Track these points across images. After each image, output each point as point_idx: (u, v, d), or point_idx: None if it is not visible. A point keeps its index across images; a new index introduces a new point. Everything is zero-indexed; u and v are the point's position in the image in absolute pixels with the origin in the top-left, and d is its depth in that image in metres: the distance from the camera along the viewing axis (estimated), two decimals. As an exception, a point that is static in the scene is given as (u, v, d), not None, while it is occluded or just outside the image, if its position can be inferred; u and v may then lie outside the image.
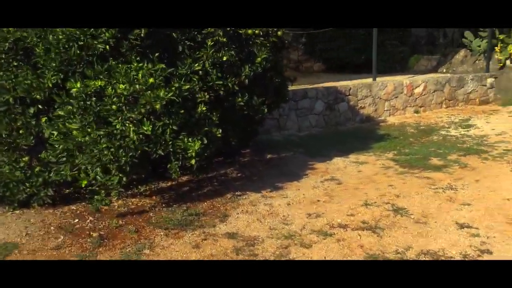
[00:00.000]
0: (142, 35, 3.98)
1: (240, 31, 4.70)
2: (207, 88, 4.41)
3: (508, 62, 10.40)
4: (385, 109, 9.23)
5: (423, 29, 12.13)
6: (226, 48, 4.43)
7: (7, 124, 4.23)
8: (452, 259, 3.36)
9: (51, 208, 4.50)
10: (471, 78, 10.10)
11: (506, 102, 10.05)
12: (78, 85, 3.72)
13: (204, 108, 4.12)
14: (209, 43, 4.35)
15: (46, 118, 4.31)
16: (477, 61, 10.96)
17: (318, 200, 4.64)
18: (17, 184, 4.36)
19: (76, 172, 4.20)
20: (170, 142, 3.95)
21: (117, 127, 3.78)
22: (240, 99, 4.72)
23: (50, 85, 4.03)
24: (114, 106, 3.76)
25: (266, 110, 5.05)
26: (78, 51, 3.86)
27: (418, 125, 8.42)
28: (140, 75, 3.77)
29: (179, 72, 4.20)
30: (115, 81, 3.83)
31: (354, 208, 4.38)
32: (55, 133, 4.07)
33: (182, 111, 3.98)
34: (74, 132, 3.92)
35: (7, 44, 3.96)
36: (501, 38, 10.32)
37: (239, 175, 5.54)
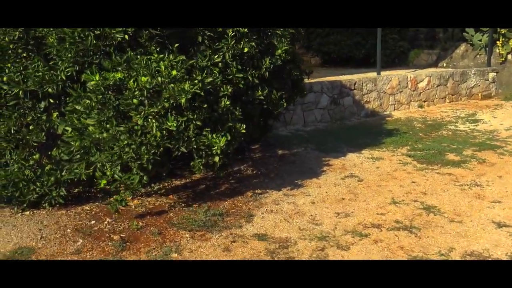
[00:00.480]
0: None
1: (260, 22, 4.47)
2: (227, 81, 4.19)
3: (509, 56, 10.36)
4: (390, 103, 9.11)
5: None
6: (246, 39, 4.21)
7: (16, 119, 3.95)
8: (498, 259, 3.22)
9: (63, 208, 4.24)
10: (474, 72, 10.04)
11: (508, 96, 10.02)
12: (97, 77, 3.46)
13: (228, 103, 3.90)
14: (230, 34, 4.12)
15: (57, 113, 4.05)
16: (478, 56, 10.91)
17: (343, 198, 4.46)
18: (27, 184, 4.08)
19: (91, 170, 3.95)
20: (193, 139, 3.72)
21: (139, 122, 3.54)
22: (260, 92, 4.51)
23: (64, 77, 3.77)
24: (135, 100, 3.52)
25: (285, 104, 4.85)
26: (95, 41, 3.59)
27: (424, 119, 8.31)
28: (162, 67, 3.52)
29: (199, 64, 3.96)
30: (135, 74, 3.58)
31: (383, 206, 4.22)
32: (69, 129, 3.80)
33: (205, 106, 3.75)
34: (91, 128, 3.66)
35: (17, 33, 3.67)
36: (503, 32, 10.26)
37: (254, 172, 5.33)
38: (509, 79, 10.23)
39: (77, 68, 3.64)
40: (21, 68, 3.91)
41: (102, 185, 3.71)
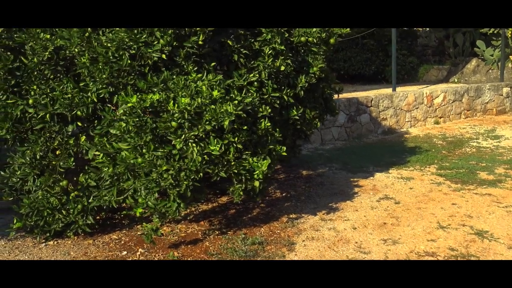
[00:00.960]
0: (199, 42, 3.54)
1: (292, 39, 4.30)
2: (263, 101, 3.99)
3: (523, 71, 10.28)
4: (406, 120, 8.95)
5: (431, 39, 11.96)
6: (282, 57, 4.02)
7: (42, 144, 3.71)
8: None
9: (88, 237, 3.98)
10: (488, 87, 9.92)
11: (523, 111, 9.90)
12: (134, 99, 3.24)
13: (268, 124, 3.68)
14: (267, 51, 3.93)
15: (84, 137, 3.82)
16: (490, 70, 10.81)
17: (385, 223, 4.23)
18: (52, 212, 3.84)
19: (122, 197, 3.70)
20: (233, 163, 3.50)
21: (177, 146, 3.31)
22: (295, 112, 4.30)
23: (95, 99, 3.54)
24: (174, 123, 3.29)
25: (318, 124, 4.65)
26: (130, 61, 3.39)
27: (444, 136, 8.13)
28: (204, 87, 3.31)
29: (235, 83, 3.77)
30: (172, 95, 3.37)
31: (430, 231, 3.98)
32: (100, 154, 3.57)
33: (245, 128, 3.53)
34: (125, 153, 3.43)
35: (46, 53, 3.45)
36: (516, 47, 10.20)
37: (283, 194, 5.10)
38: (523, 94, 10.12)
39: (111, 90, 3.42)
40: (48, 90, 3.70)
41: (138, 214, 3.45)
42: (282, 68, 4.00)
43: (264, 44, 3.95)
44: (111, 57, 3.37)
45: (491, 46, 10.73)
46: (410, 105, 8.96)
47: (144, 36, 3.41)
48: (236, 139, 3.42)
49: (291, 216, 4.44)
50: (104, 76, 3.33)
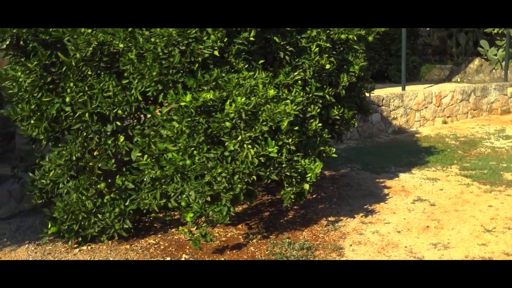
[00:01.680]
0: (251, 38, 3.38)
1: (332, 36, 4.17)
2: (308, 100, 3.85)
3: (526, 71, 10.35)
4: (416, 119, 8.92)
5: (434, 38, 11.97)
6: (326, 55, 3.89)
7: (80, 144, 3.51)
8: None
9: (124, 242, 3.80)
10: (494, 87, 9.97)
11: (527, 111, 9.99)
12: (188, 98, 3.07)
13: (320, 124, 3.56)
14: (313, 49, 3.80)
15: (123, 137, 3.62)
16: (494, 70, 10.87)
17: (428, 226, 4.14)
18: (87, 216, 3.63)
19: (164, 200, 3.53)
20: (285, 165, 3.35)
21: (231, 148, 3.15)
22: (336, 112, 4.19)
23: (140, 98, 3.36)
24: (228, 123, 3.13)
25: (356, 124, 4.54)
26: (180, 58, 3.21)
27: (455, 136, 8.12)
28: (260, 86, 3.16)
29: (282, 82, 3.62)
30: (225, 93, 3.21)
31: (478, 235, 3.92)
32: (145, 156, 3.39)
33: (296, 128, 3.40)
34: (172, 155, 3.25)
35: (90, 48, 3.24)
36: (520, 47, 10.27)
37: (314, 196, 4.98)
38: (527, 94, 10.20)
39: (160, 88, 3.24)
40: (86, 88, 3.49)
41: (188, 219, 3.29)
42: (327, 66, 3.88)
43: (310, 41, 3.81)
44: (160, 53, 3.19)
45: (494, 46, 10.78)
46: (419, 104, 8.93)
47: (193, 32, 3.24)
48: (290, 140, 3.28)
49: (329, 219, 4.32)
50: (154, 73, 3.15)
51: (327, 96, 4.04)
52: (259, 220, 4.29)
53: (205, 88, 3.27)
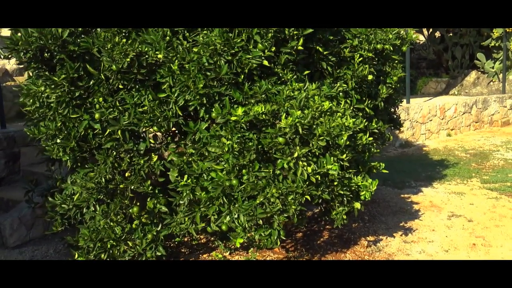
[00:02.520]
0: (298, 47, 3.16)
1: (373, 46, 3.98)
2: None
3: (523, 83, 10.45)
4: (421, 132, 8.83)
5: (430, 52, 12.02)
6: (367, 66, 3.69)
7: (111, 165, 3.19)
8: None
9: (157, 272, 3.46)
10: (494, 99, 10.00)
11: (527, 123, 10.03)
12: (240, 112, 2.81)
13: (370, 139, 3.33)
14: (357, 59, 3.60)
15: (156, 156, 3.33)
16: (491, 83, 10.94)
17: (474, 244, 3.94)
18: (117, 244, 3.30)
19: (203, 224, 3.23)
20: (336, 183, 3.11)
21: (285, 165, 2.89)
22: (374, 125, 3.96)
23: (180, 113, 3.08)
24: (281, 139, 2.88)
25: (391, 138, 4.34)
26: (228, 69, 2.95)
27: (464, 149, 8.03)
28: (316, 98, 2.93)
29: (326, 94, 3.40)
30: (276, 106, 2.96)
31: (531, 252, 3.74)
32: (185, 176, 3.09)
33: (348, 143, 3.17)
34: (217, 174, 2.97)
35: (127, 59, 2.95)
36: (517, 59, 10.37)
37: (344, 214, 4.73)
38: (526, 105, 10.27)
39: (204, 101, 2.96)
40: (117, 103, 3.19)
41: (238, 244, 2.99)
42: (370, 77, 3.68)
43: (352, 50, 3.61)
44: (206, 64, 2.92)
45: (491, 58, 10.86)
46: (425, 117, 8.85)
47: (239, 40, 2.99)
48: (344, 156, 3.05)
49: (368, 238, 4.08)
50: (200, 85, 2.88)
51: (366, 109, 3.83)
52: (295, 242, 4.02)
53: (252, 101, 3.02)
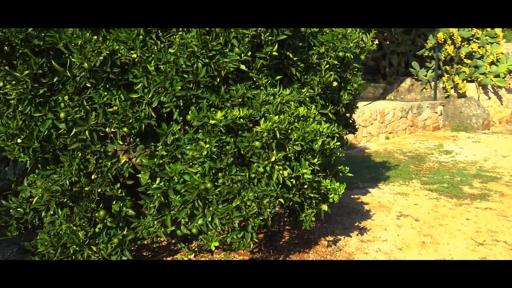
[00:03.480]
0: (273, 52, 3.21)
1: (337, 54, 4.14)
2: (315, 118, 3.75)
3: (452, 91, 11.27)
4: (363, 135, 9.25)
5: (369, 58, 12.61)
6: (333, 72, 3.84)
7: (77, 166, 3.05)
8: None
9: (121, 277, 3.36)
10: (427, 106, 10.69)
11: (455, 127, 10.84)
12: (219, 115, 2.80)
13: (338, 143, 3.46)
14: (323, 66, 3.72)
15: (125, 158, 3.24)
16: (424, 90, 11.69)
17: (423, 242, 4.22)
18: (80, 249, 3.17)
19: (172, 228, 3.19)
20: (306, 186, 3.21)
21: (260, 169, 2.94)
22: (336, 129, 4.11)
23: (154, 114, 3.01)
24: (257, 143, 2.92)
25: (349, 141, 4.52)
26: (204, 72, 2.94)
27: (402, 151, 8.53)
28: (292, 103, 2.99)
29: (296, 99, 3.49)
30: (253, 111, 2.99)
31: (474, 249, 4.06)
32: (157, 179, 3.04)
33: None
34: (192, 177, 2.95)
35: (100, 58, 2.84)
36: (447, 69, 11.17)
37: (301, 215, 4.87)
38: (454, 112, 11.08)
39: (180, 104, 2.92)
40: (84, 102, 3.06)
41: (213, 247, 2.98)
42: (335, 84, 3.82)
43: (320, 57, 3.73)
44: (183, 66, 2.89)
45: (425, 67, 11.60)
46: (366, 121, 9.28)
47: (217, 43, 2.99)
48: (315, 160, 3.15)
49: (327, 238, 4.24)
50: (178, 87, 2.84)
51: (329, 114, 3.97)
52: (258, 243, 4.08)
53: (228, 105, 3.03)
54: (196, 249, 3.90)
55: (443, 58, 11.10)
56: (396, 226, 4.62)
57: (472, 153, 8.39)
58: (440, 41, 11.03)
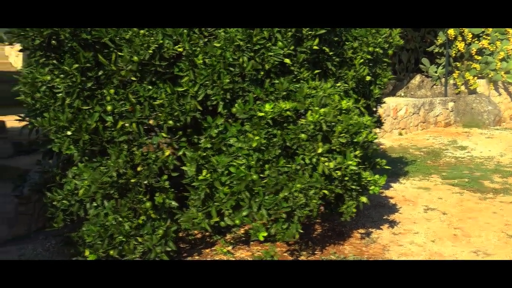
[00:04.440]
0: (314, 46, 3.25)
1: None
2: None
3: (463, 87, 11.31)
4: (377, 131, 9.29)
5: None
6: (366, 67, 3.88)
7: (125, 158, 3.10)
8: None
9: (164, 268, 3.41)
10: (438, 102, 10.74)
11: (466, 124, 10.88)
12: (267, 108, 2.85)
13: (375, 136, 3.50)
14: (358, 60, 3.77)
15: (169, 151, 3.28)
16: (434, 86, 11.73)
17: (455, 235, 4.28)
18: (126, 240, 3.21)
19: (217, 219, 3.24)
20: (348, 178, 3.25)
21: (307, 161, 2.98)
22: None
23: (199, 107, 3.06)
24: (303, 135, 2.96)
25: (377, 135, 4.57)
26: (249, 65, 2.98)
27: (417, 147, 8.58)
28: (336, 96, 3.04)
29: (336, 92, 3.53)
30: (297, 104, 3.04)
31: (506, 241, 4.12)
32: (204, 171, 3.09)
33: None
34: (238, 169, 3.00)
35: (150, 51, 2.88)
36: (457, 65, 11.21)
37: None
38: (465, 108, 11.13)
39: (227, 97, 2.97)
40: (129, 96, 3.11)
41: (261, 238, 3.03)
42: (368, 78, 3.87)
43: (355, 52, 3.77)
44: (230, 60, 2.93)
45: (435, 63, 11.64)
46: (380, 117, 9.31)
47: (261, 37, 3.03)
48: (357, 152, 3.19)
49: (359, 231, 4.28)
50: (226, 80, 2.88)
51: (361, 108, 4.02)
52: (292, 236, 4.12)
53: (272, 98, 3.08)
54: (231, 241, 3.94)
55: (454, 55, 11.14)
56: (424, 219, 4.67)
57: (487, 148, 8.43)
58: (450, 38, 11.07)
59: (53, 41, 3.02)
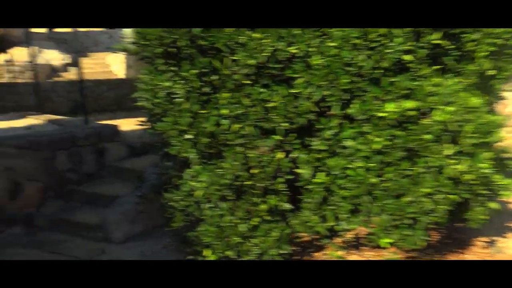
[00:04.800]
0: (434, 41, 3.04)
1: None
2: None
3: None
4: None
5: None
6: (490, 60, 3.55)
7: (241, 161, 3.13)
8: None
9: (277, 271, 3.39)
10: None
11: None
12: (391, 107, 2.71)
13: (503, 135, 3.19)
14: (480, 53, 3.46)
15: (281, 153, 3.25)
16: None
17: None
18: (242, 241, 3.24)
19: (334, 223, 3.15)
20: (478, 182, 2.98)
21: (430, 164, 2.79)
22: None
23: (315, 108, 3.00)
24: (427, 136, 2.77)
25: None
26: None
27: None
28: (462, 94, 2.81)
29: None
30: (420, 103, 2.86)
31: None
32: (321, 174, 3.02)
33: (491, 140, 3.04)
34: (355, 172, 2.88)
35: (265, 54, 2.88)
36: None
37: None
38: None
39: (345, 97, 2.88)
40: (245, 99, 3.12)
41: (383, 244, 2.90)
42: (491, 72, 3.53)
43: (478, 44, 3.47)
44: (347, 59, 2.83)
45: None
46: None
47: (377, 34, 2.89)
48: (489, 154, 2.92)
49: (481, 239, 3.96)
50: (344, 81, 2.79)
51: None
52: (405, 242, 3.90)
53: (390, 97, 2.92)
54: (342, 245, 3.83)
55: None
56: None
57: None
58: None
59: (172, 49, 3.14)
